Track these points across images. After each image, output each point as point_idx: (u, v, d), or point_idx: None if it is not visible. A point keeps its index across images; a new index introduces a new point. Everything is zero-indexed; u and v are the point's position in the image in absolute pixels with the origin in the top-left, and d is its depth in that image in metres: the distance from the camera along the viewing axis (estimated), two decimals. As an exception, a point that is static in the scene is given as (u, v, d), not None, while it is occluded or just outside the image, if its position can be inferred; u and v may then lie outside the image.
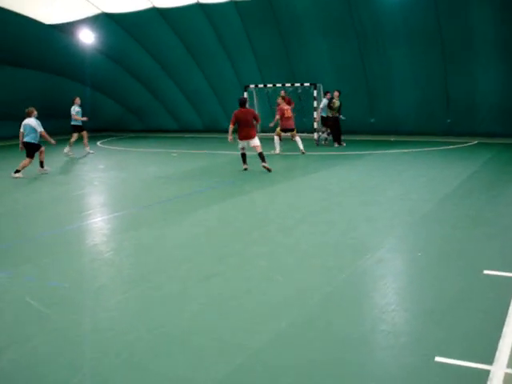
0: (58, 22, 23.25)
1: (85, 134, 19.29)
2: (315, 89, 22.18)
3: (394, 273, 6.24)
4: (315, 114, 21.10)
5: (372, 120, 22.18)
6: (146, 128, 28.48)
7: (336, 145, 19.97)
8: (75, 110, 19.16)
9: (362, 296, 5.51)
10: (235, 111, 14.18)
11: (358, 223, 8.35)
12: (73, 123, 19.28)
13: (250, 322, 4.86)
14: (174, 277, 6.07)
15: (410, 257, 6.75)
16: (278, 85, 22.96)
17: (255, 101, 24.49)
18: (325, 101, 20.53)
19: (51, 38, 23.68)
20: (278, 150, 17.96)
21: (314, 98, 21.60)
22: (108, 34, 23.76)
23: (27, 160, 14.02)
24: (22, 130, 14.21)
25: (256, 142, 13.96)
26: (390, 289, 5.65)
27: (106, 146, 21.42)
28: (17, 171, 13.78)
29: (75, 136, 19.20)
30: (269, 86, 23.35)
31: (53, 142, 14.58)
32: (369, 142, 20.72)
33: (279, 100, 20.87)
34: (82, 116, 19.29)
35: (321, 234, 7.75)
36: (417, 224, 8.29)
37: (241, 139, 14.05)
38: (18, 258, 6.96)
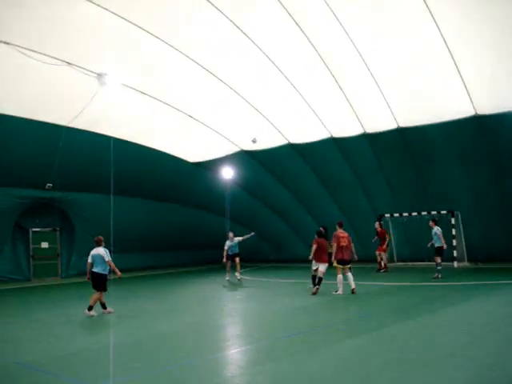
0: (201, 160, 25.16)
1: (236, 260, 20.90)
2: (452, 216, 21.72)
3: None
4: (454, 243, 20.41)
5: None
6: (281, 258, 28.97)
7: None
8: (227, 244, 20.77)
9: None
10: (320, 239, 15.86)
11: (505, 366, 7.69)
12: (231, 253, 20.93)
13: None
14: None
15: None
16: (414, 213, 22.76)
17: (390, 230, 24.30)
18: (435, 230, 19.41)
19: (194, 174, 25.57)
20: (340, 290, 15.44)
21: (453, 226, 21.04)
22: (246, 169, 25.19)
23: (99, 293, 13.14)
24: (89, 260, 13.22)
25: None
26: None
27: (242, 276, 21.91)
28: (90, 308, 13.04)
29: (236, 261, 20.78)
30: (404, 214, 23.18)
31: (119, 273, 13.05)
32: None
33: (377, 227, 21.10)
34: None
35: (465, 371, 7.22)
36: None
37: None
38: (158, 388, 7.12)
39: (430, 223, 19.28)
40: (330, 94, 19.49)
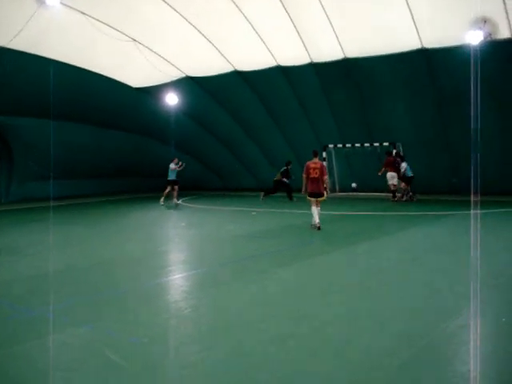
0: (145, 86, 24.56)
1: (176, 188, 22.03)
2: (394, 148, 22.16)
3: (477, 339, 5.99)
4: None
5: (454, 180, 21.67)
6: (225, 186, 29.14)
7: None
8: (172, 166, 21.85)
9: (442, 362, 5.31)
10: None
11: (440, 286, 8.10)
12: (169, 178, 22.05)
13: (326, 386, 4.78)
14: (251, 336, 6.08)
15: (493, 322, 6.47)
16: (357, 145, 23.08)
17: (334, 161, 24.66)
18: (404, 164, 20.71)
19: (138, 101, 25.00)
20: (317, 220, 14.12)
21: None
22: (191, 95, 24.78)
23: None
24: None
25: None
26: (471, 355, 5.43)
27: (187, 204, 21.99)
28: None
29: (168, 188, 22.02)
30: (347, 146, 23.49)
31: None
32: (451, 201, 20.24)
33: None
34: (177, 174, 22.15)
35: (401, 297, 7.57)
36: (502, 287, 7.97)
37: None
38: (100, 312, 7.18)
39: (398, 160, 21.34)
40: (278, 21, 19.18)
